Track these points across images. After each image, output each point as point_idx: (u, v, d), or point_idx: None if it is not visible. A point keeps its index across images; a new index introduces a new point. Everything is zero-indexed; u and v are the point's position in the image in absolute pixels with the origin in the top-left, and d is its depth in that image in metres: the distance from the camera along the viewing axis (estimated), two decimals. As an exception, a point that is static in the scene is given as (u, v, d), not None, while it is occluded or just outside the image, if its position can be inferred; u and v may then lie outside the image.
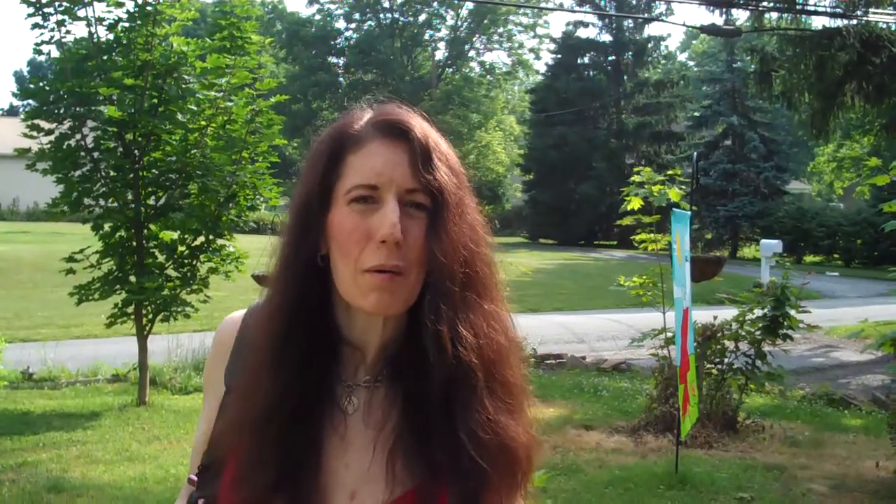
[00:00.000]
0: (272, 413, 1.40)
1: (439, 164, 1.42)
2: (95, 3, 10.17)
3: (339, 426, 1.44)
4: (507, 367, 1.46)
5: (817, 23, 17.46)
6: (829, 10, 16.96)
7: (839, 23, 15.66)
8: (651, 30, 52.00)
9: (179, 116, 10.26)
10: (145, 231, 10.39)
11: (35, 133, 10.02)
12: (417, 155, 1.41)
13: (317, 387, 1.44)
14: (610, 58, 52.35)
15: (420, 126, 1.45)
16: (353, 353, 1.47)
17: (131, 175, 10.31)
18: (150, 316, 10.49)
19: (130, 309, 10.45)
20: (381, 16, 63.12)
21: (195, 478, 1.53)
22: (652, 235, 9.40)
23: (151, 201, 10.58)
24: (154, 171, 10.45)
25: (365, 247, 1.38)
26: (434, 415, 1.39)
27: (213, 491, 1.46)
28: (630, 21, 50.44)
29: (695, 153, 11.48)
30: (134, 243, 10.36)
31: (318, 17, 63.31)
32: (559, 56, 53.10)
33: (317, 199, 1.44)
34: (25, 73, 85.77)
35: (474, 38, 64.52)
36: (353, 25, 63.90)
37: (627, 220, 9.46)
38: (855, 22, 15.26)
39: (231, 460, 1.43)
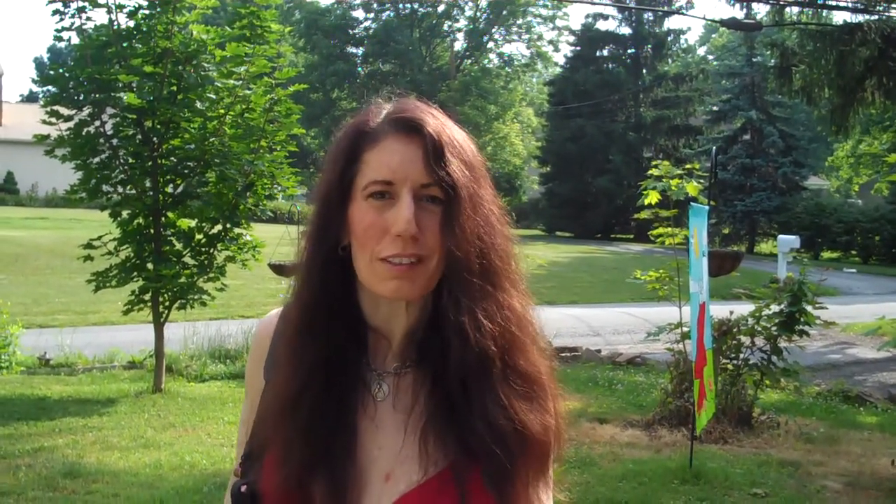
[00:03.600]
0: (299, 398, 1.45)
1: (452, 158, 1.45)
2: (116, -10, 10.21)
3: (370, 411, 1.48)
4: (521, 355, 1.49)
5: (838, 18, 17.42)
6: (850, 5, 16.84)
7: (860, 18, 15.57)
8: (671, 23, 51.64)
9: (198, 104, 10.28)
10: (163, 219, 10.43)
11: (54, 119, 10.05)
12: (430, 150, 1.44)
13: (345, 373, 1.48)
14: (629, 51, 52.20)
15: (434, 121, 1.48)
16: (379, 340, 1.52)
17: (150, 162, 10.34)
18: (167, 303, 10.54)
19: (147, 296, 10.49)
20: (400, 6, 63.04)
21: (239, 469, 1.57)
22: (669, 229, 9.38)
23: (169, 189, 10.63)
24: (172, 158, 10.48)
25: (382, 239, 1.43)
26: (456, 399, 1.43)
27: (254, 478, 1.50)
28: (650, 14, 50.29)
29: (713, 147, 11.43)
30: (151, 231, 10.40)
31: (336, 6, 63.35)
32: (578, 48, 52.97)
33: (337, 193, 1.49)
34: (45, 60, 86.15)
35: (493, 30, 64.39)
36: (371, 15, 63.89)
37: (645, 214, 9.43)
38: (876, 17, 15.16)
39: (270, 449, 1.47)
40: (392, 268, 1.41)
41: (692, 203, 7.89)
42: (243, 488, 1.49)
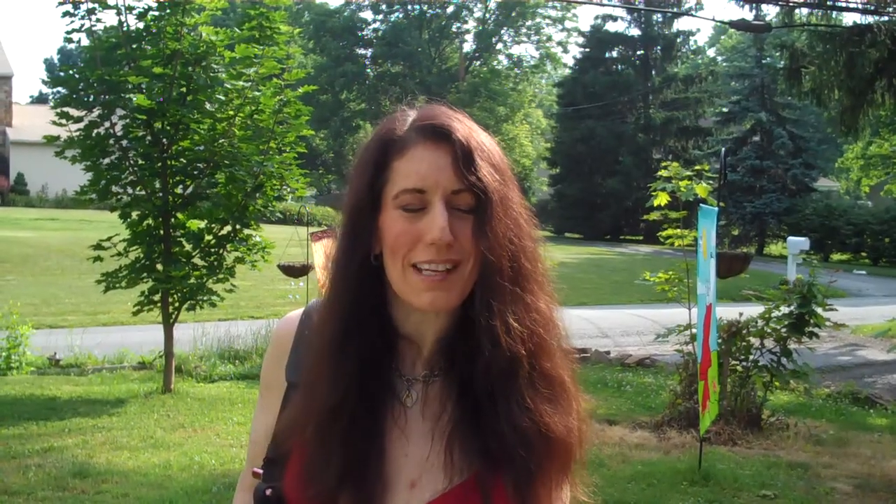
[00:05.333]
0: (337, 411, 1.45)
1: (482, 163, 1.45)
2: (125, -8, 10.23)
3: (398, 419, 1.49)
4: (547, 358, 1.49)
5: (848, 19, 17.36)
6: (859, 6, 16.79)
7: (870, 19, 15.51)
8: (680, 24, 51.66)
9: (208, 106, 10.30)
10: (172, 220, 10.44)
11: (64, 121, 10.07)
12: (460, 156, 1.44)
13: (377, 382, 1.48)
14: (638, 52, 52.19)
15: (462, 126, 1.48)
16: (409, 347, 1.52)
17: (159, 164, 10.36)
18: (177, 304, 10.55)
19: (157, 297, 10.51)
20: (409, 7, 63.08)
21: (259, 470, 1.58)
22: (678, 231, 9.35)
23: (179, 190, 10.64)
24: (182, 160, 10.49)
25: (414, 247, 1.43)
26: (483, 404, 1.44)
27: (279, 482, 1.51)
28: (659, 15, 50.21)
29: (723, 149, 11.37)
30: (161, 232, 10.42)
31: (345, 7, 63.46)
32: (587, 50, 52.97)
33: (367, 203, 1.48)
34: (56, 61, 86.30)
35: (502, 31, 64.41)
36: (380, 17, 63.96)
37: (654, 215, 9.40)
38: (886, 18, 15.11)
39: (295, 453, 1.48)
40: (426, 280, 1.42)
41: (701, 204, 7.87)
42: (268, 492, 1.50)
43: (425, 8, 63.24)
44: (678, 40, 51.96)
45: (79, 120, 10.19)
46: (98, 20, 10.21)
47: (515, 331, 1.43)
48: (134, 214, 10.42)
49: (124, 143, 10.35)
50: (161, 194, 10.39)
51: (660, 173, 9.16)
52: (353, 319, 1.47)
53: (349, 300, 1.48)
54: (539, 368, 1.47)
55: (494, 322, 1.42)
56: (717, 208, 7.90)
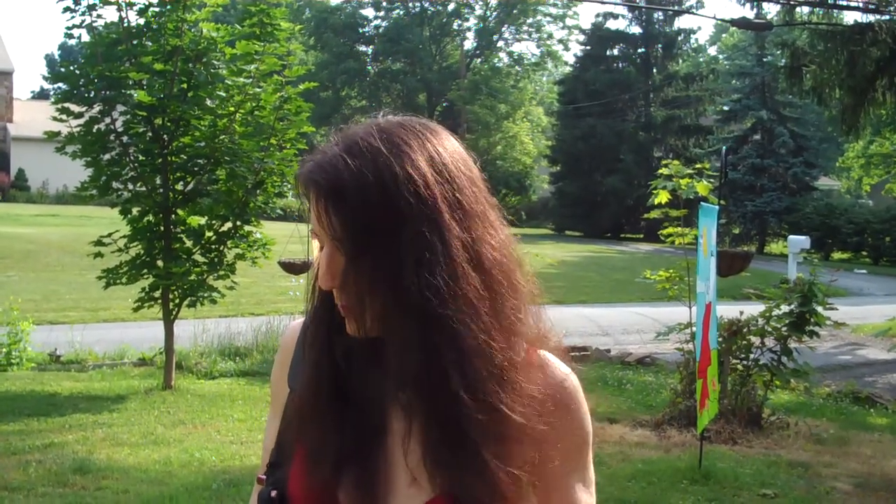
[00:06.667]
0: (316, 398, 1.44)
1: (340, 211, 1.35)
2: (126, -12, 10.23)
3: (396, 417, 1.44)
4: (485, 386, 1.37)
5: (849, 18, 17.35)
6: (861, 4, 16.79)
7: (871, 18, 15.51)
8: (681, 22, 51.52)
9: (208, 102, 10.30)
10: (173, 216, 10.44)
11: (65, 116, 10.07)
12: (321, 204, 1.37)
13: (367, 378, 1.45)
14: (639, 50, 52.06)
15: (330, 170, 1.37)
16: None
17: (160, 160, 10.36)
18: (177, 301, 10.55)
19: (157, 293, 10.51)
20: (410, 4, 63.01)
21: (263, 476, 1.57)
22: (679, 229, 9.35)
23: (180, 186, 10.64)
24: (182, 156, 10.49)
25: None
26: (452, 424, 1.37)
27: (282, 483, 1.50)
28: (660, 13, 50.17)
29: (723, 147, 11.35)
30: (162, 228, 10.42)
31: (346, 4, 63.35)
32: (588, 47, 52.84)
33: None
34: (56, 57, 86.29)
35: (503, 29, 64.32)
36: (381, 13, 63.87)
37: (654, 214, 9.40)
38: (887, 17, 15.10)
39: (297, 455, 1.47)
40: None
41: (702, 203, 7.87)
42: (273, 493, 1.49)
43: (426, 5, 63.20)
44: (679, 38, 51.83)
45: (79, 116, 10.18)
46: (99, 16, 10.24)
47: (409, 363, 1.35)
48: (134, 211, 10.42)
49: (125, 139, 10.35)
50: (161, 190, 10.39)
51: (660, 171, 9.15)
52: (332, 319, 1.45)
53: (321, 306, 1.48)
54: (474, 399, 1.35)
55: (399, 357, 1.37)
56: (717, 206, 7.91)
